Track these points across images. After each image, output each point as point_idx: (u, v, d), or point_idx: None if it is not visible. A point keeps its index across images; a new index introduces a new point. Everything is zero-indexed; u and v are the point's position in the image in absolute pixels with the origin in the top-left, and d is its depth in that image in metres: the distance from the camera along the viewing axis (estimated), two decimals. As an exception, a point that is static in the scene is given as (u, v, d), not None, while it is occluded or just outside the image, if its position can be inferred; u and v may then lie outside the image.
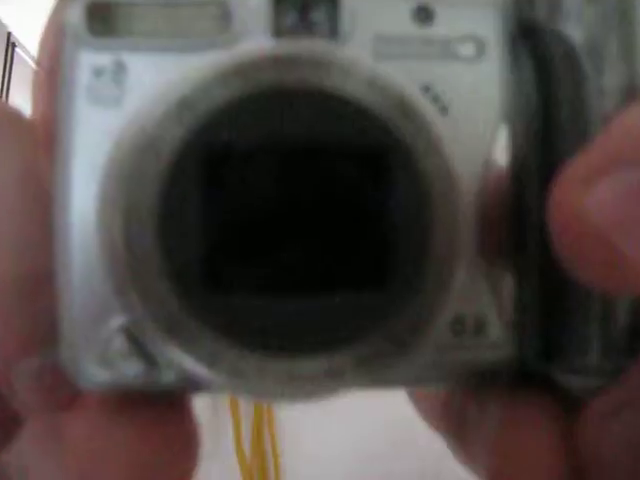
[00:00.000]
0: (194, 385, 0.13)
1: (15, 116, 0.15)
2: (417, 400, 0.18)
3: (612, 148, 0.11)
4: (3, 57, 1.29)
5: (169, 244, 0.12)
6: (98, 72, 0.13)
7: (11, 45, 1.31)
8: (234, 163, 0.12)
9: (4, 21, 1.30)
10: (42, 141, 0.15)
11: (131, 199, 0.12)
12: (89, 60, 0.13)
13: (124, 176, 0.12)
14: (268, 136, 0.12)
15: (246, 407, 0.39)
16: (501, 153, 0.13)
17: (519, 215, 0.13)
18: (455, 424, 0.15)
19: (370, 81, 0.12)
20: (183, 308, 0.12)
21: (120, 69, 0.13)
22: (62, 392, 0.14)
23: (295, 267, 0.12)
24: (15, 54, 1.31)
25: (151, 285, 0.12)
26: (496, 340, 0.13)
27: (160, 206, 0.12)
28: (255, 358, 0.12)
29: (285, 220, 0.12)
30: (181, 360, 0.12)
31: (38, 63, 0.16)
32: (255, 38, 0.13)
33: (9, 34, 1.34)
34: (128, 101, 0.13)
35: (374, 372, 0.12)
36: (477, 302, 0.13)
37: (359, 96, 0.12)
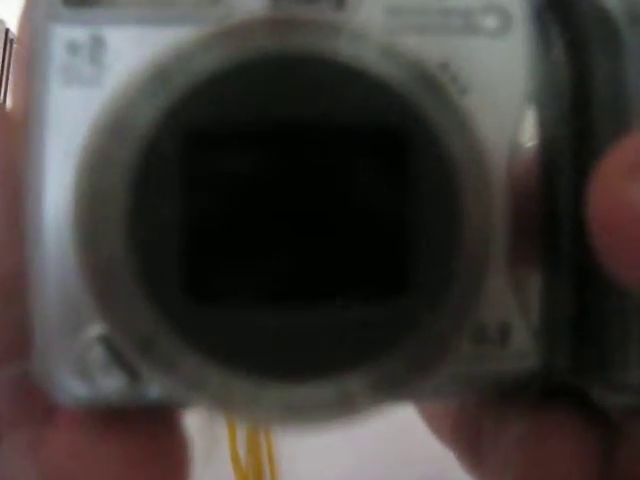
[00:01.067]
0: (181, 402, 0.11)
1: None
2: (425, 410, 0.17)
3: None
4: (1, 53, 1.28)
5: (141, 245, 0.10)
6: (73, 48, 0.11)
7: (9, 41, 1.30)
8: (219, 147, 0.10)
9: (2, 17, 1.30)
10: (21, 131, 0.13)
11: (99, 191, 0.10)
12: (63, 35, 0.11)
13: (92, 166, 0.10)
14: (258, 114, 0.10)
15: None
16: (528, 138, 0.12)
17: (550, 208, 0.12)
18: (468, 438, 0.14)
19: (382, 47, 0.10)
20: (159, 322, 0.10)
21: (98, 45, 0.11)
22: (38, 406, 0.13)
23: (295, 273, 0.11)
24: (13, 50, 1.30)
25: (122, 294, 0.10)
26: (522, 349, 0.12)
27: (131, 199, 0.10)
28: (247, 383, 0.10)
29: (283, 216, 0.11)
30: (160, 381, 0.11)
31: (19, 41, 0.15)
32: (249, 7, 0.11)
33: (7, 30, 1.34)
34: (107, 80, 0.11)
35: (390, 397, 0.11)
36: (501, 307, 0.12)
37: (369, 64, 0.10)
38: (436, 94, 0.11)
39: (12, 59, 0.17)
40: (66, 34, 0.11)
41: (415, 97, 0.10)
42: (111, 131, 0.10)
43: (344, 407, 0.10)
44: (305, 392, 0.10)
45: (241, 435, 0.38)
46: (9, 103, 0.15)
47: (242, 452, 0.38)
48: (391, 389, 0.10)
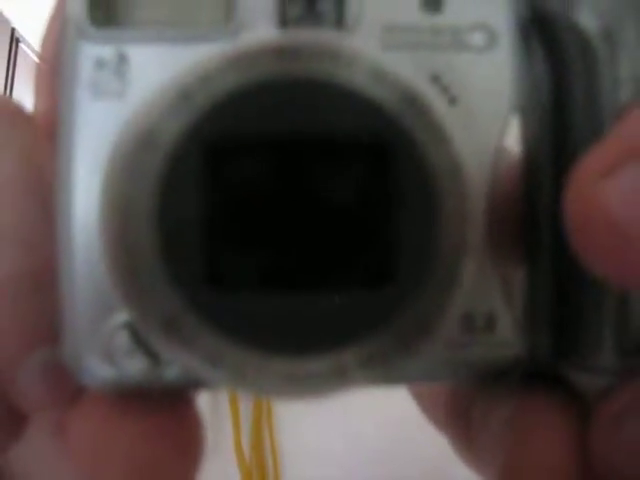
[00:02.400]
0: (198, 382, 0.13)
1: (16, 110, 0.15)
2: (420, 398, 0.17)
3: (630, 138, 0.11)
4: (7, 53, 1.29)
5: (166, 241, 0.12)
6: (100, 64, 0.12)
7: (15, 40, 1.31)
8: (233, 156, 0.12)
9: (8, 17, 1.30)
10: (44, 136, 0.14)
11: (129, 194, 0.12)
12: (91, 52, 0.12)
13: (122, 171, 0.12)
14: (268, 129, 0.12)
15: (246, 405, 0.39)
16: (513, 144, 0.13)
17: (532, 208, 0.13)
18: (460, 422, 0.15)
19: (373, 71, 0.12)
20: (182, 305, 0.12)
21: (122, 61, 0.12)
22: (66, 388, 0.13)
23: (298, 263, 0.12)
24: (19, 49, 1.31)
25: (149, 281, 0.12)
26: (507, 337, 0.13)
27: (157, 202, 0.12)
28: (257, 357, 0.12)
29: (288, 215, 0.12)
30: (180, 358, 0.12)
31: (41, 57, 0.16)
32: (260, 28, 0.12)
33: (13, 29, 1.34)
34: (131, 94, 0.12)
35: (381, 370, 0.12)
36: (487, 298, 0.13)
37: (362, 87, 0.12)
38: (419, 112, 0.12)
39: (36, 74, 0.18)
40: (94, 51, 0.12)
41: (400, 115, 0.12)
42: (138, 143, 0.12)
43: (337, 379, 0.12)
44: (305, 365, 0.12)
45: (245, 430, 0.39)
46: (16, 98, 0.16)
47: (246, 447, 0.39)
48: (380, 365, 0.12)
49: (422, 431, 0.18)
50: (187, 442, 0.13)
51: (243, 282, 0.12)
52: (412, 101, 0.12)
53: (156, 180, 0.11)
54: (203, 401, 0.14)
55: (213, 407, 0.38)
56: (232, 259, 0.12)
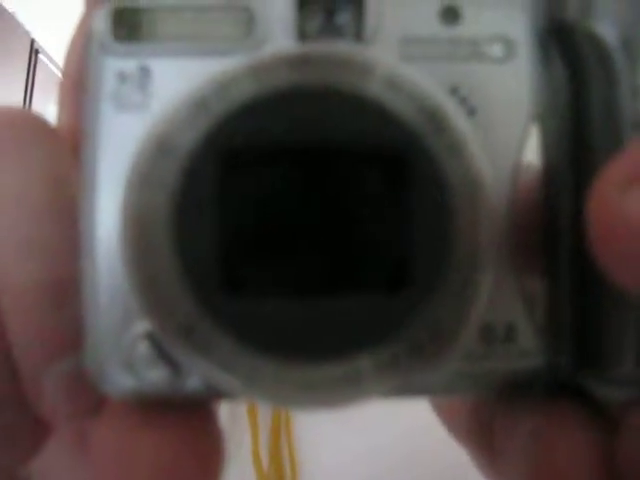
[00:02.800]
0: (218, 391, 0.13)
1: (42, 123, 0.15)
2: (441, 410, 0.17)
3: None
4: (27, 63, 1.32)
5: (184, 250, 0.12)
6: (123, 78, 0.13)
7: (34, 52, 1.34)
8: (249, 165, 0.12)
9: (27, 28, 1.33)
10: (68, 148, 0.15)
11: (146, 203, 0.12)
12: (114, 66, 0.13)
13: (139, 181, 0.12)
14: (283, 138, 0.12)
15: (264, 416, 0.39)
16: (532, 155, 0.13)
17: (552, 219, 0.13)
18: (482, 436, 0.15)
19: (390, 82, 0.12)
20: (199, 312, 0.12)
21: (145, 74, 0.13)
22: (88, 398, 0.14)
23: (313, 271, 0.12)
24: (38, 60, 1.33)
25: (167, 289, 0.12)
26: (527, 348, 0.13)
27: (174, 211, 0.12)
28: (271, 364, 0.12)
29: (303, 223, 0.12)
30: (198, 366, 0.12)
31: (65, 74, 0.16)
32: (280, 42, 0.13)
33: (32, 40, 1.37)
34: (153, 106, 0.12)
35: (394, 379, 0.12)
36: (507, 309, 0.13)
37: (378, 97, 0.12)
38: (437, 124, 0.12)
39: (60, 89, 0.19)
40: (117, 65, 0.13)
41: (417, 127, 0.12)
42: (156, 152, 0.12)
43: (352, 385, 0.12)
44: (319, 371, 0.12)
45: (264, 441, 0.39)
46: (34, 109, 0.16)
47: (264, 458, 0.39)
48: (394, 372, 0.12)
49: (441, 443, 0.18)
50: (209, 452, 0.13)
51: (259, 289, 0.12)
52: (430, 113, 0.12)
53: (173, 189, 0.12)
54: (222, 411, 0.14)
55: (231, 417, 0.38)
56: (248, 267, 0.12)
